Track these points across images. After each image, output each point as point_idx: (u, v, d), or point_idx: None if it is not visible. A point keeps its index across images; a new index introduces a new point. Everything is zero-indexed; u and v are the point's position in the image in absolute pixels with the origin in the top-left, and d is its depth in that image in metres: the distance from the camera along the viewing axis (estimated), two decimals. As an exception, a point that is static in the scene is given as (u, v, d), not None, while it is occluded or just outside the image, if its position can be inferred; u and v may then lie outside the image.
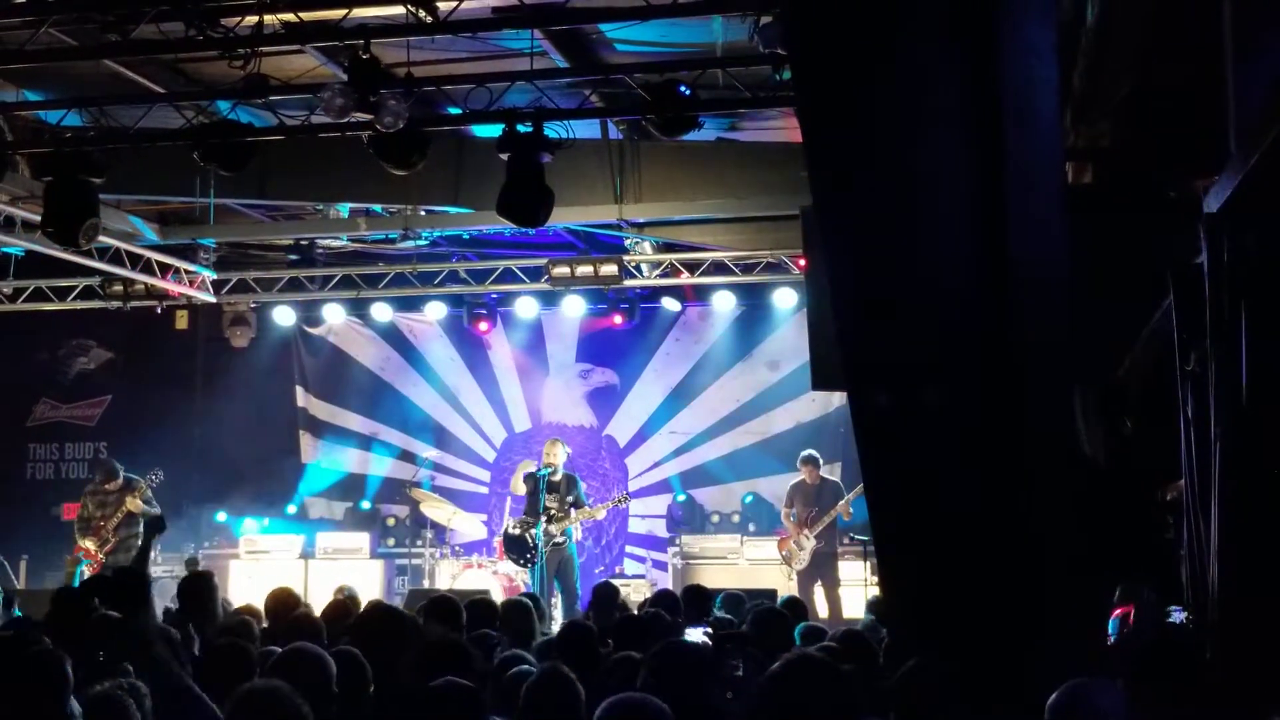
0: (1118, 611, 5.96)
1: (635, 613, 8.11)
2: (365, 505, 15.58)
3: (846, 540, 12.79)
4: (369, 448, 16.16)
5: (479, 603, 7.36)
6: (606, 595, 8.41)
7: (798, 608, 8.28)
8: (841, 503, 12.52)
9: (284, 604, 7.33)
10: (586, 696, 4.35)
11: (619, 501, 12.97)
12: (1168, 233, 6.30)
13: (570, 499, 12.21)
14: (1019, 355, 5.47)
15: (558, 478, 12.24)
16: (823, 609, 12.37)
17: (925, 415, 5.45)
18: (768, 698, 3.69)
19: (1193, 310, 5.11)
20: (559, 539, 12.06)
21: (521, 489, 12.71)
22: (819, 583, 12.66)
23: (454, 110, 9.85)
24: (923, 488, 5.49)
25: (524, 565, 12.19)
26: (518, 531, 12.20)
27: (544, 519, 12.04)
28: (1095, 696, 3.76)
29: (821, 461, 13.07)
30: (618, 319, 15.12)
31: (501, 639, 6.43)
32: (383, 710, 4.72)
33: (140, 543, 12.01)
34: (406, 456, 15.78)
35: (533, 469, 12.54)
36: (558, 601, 12.11)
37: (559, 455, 12.36)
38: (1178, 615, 5.31)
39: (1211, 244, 4.77)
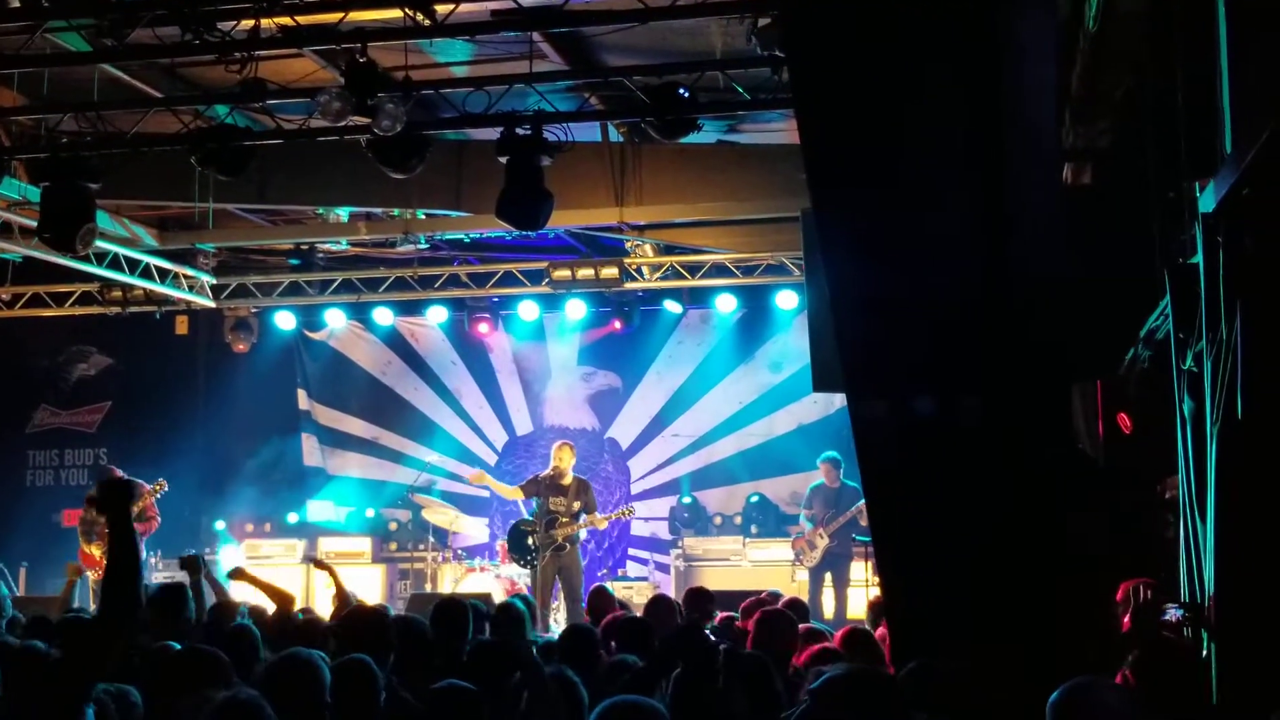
0: (1117, 610, 5.96)
1: (637, 615, 8.09)
2: (368, 510, 15.58)
3: (853, 542, 12.77)
4: (371, 452, 16.18)
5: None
6: (599, 602, 8.41)
7: (800, 609, 8.28)
8: (858, 505, 12.46)
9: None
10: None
11: (624, 514, 12.90)
12: (1166, 232, 6.30)
13: (578, 504, 12.12)
14: (1017, 355, 5.47)
15: (565, 481, 12.20)
16: (829, 609, 12.39)
17: (923, 415, 5.45)
18: (822, 707, 3.66)
19: (1188, 309, 5.11)
20: (561, 544, 12.00)
21: (504, 489, 12.76)
22: (829, 583, 12.67)
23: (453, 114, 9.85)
24: (920, 487, 5.49)
25: (524, 565, 12.17)
26: (522, 531, 12.18)
27: (543, 523, 12.00)
28: (1095, 695, 3.75)
29: (842, 463, 12.96)
30: (618, 323, 15.12)
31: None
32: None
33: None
34: (408, 460, 15.78)
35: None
36: (561, 605, 12.08)
37: (565, 459, 12.30)
38: (1174, 613, 5.31)
39: (1207, 243, 4.77)
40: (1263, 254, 4.35)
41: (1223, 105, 4.76)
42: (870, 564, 11.17)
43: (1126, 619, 5.88)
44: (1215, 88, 4.86)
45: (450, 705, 3.88)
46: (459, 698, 3.93)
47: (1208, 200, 4.77)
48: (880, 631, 6.47)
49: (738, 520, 14.57)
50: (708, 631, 5.80)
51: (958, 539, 5.35)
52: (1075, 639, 5.07)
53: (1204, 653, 4.78)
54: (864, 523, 12.47)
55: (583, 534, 12.33)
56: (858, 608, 11.94)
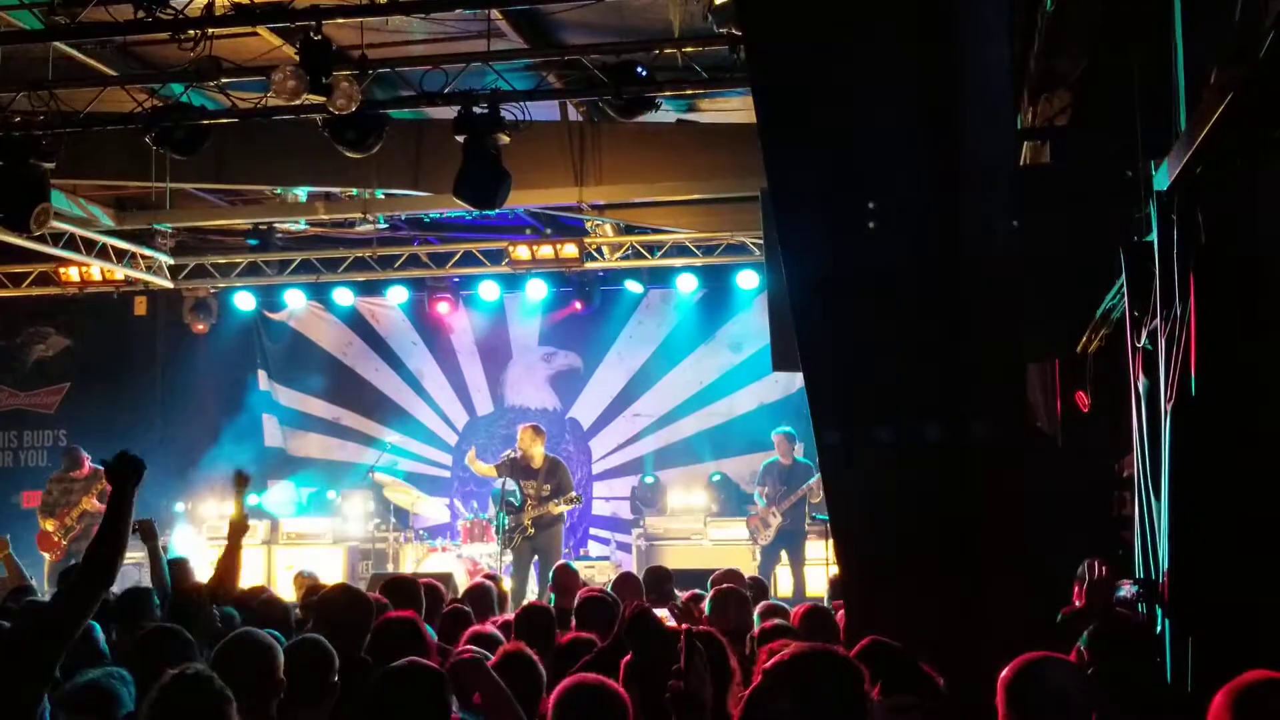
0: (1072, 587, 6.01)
1: (598, 593, 8.08)
2: (329, 490, 15.50)
3: (808, 520, 12.83)
4: (332, 432, 16.10)
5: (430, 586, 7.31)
6: (564, 580, 8.41)
7: (759, 587, 8.32)
8: (809, 483, 12.48)
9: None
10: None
11: (575, 500, 12.68)
12: (1124, 211, 6.33)
13: (549, 486, 12.02)
14: (973, 335, 5.50)
15: (535, 464, 12.13)
16: (785, 587, 12.43)
17: (877, 395, 5.47)
18: (776, 689, 3.66)
19: (1143, 287, 5.13)
20: (526, 526, 11.94)
21: (480, 468, 12.68)
22: (784, 560, 12.71)
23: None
24: (877, 465, 5.51)
25: (505, 548, 12.06)
26: (502, 514, 12.07)
27: (513, 506, 11.95)
28: (1047, 671, 3.77)
29: (796, 438, 12.98)
30: (579, 304, 15.08)
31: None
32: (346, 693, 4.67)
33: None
34: (369, 441, 15.72)
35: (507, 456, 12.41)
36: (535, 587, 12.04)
37: (528, 441, 12.18)
38: (1127, 590, 5.35)
39: (1161, 221, 4.80)
40: (1214, 232, 4.38)
41: (1178, 84, 4.78)
42: (830, 542, 11.21)
43: (1081, 595, 5.92)
44: (1170, 67, 4.89)
45: (411, 684, 3.86)
46: (420, 675, 3.91)
47: (1162, 178, 4.79)
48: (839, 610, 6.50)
49: (699, 499, 14.60)
50: (666, 612, 5.81)
51: (913, 513, 5.39)
52: (1030, 615, 5.11)
53: (1157, 629, 4.82)
54: (814, 500, 12.53)
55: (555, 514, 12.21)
56: (816, 585, 11.99)
